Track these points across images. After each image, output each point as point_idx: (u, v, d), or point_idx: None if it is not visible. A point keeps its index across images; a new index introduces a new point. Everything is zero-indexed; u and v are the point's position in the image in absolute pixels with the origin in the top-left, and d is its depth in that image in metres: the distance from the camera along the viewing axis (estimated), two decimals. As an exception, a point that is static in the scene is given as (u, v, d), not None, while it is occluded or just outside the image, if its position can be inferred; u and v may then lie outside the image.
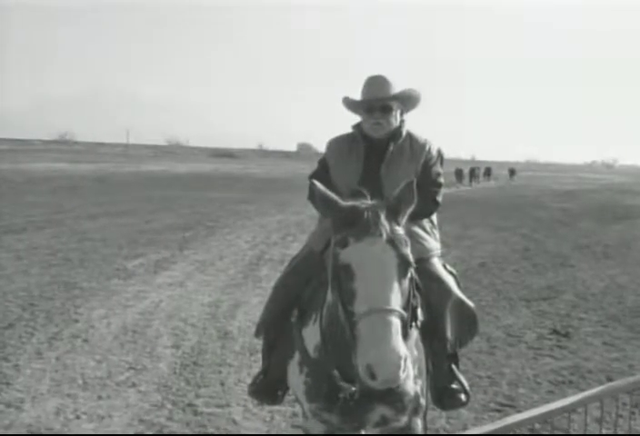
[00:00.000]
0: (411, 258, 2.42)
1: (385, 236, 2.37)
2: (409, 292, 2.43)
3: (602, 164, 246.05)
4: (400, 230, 2.45)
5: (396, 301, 2.30)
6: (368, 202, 2.53)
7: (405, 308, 2.37)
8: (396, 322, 2.24)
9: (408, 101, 3.38)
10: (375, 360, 2.18)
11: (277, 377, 3.28)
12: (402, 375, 2.19)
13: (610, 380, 5.32)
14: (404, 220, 2.51)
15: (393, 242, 2.38)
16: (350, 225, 2.42)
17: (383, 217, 2.41)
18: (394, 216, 2.46)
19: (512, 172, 60.07)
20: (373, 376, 2.18)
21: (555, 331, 7.07)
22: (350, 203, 2.52)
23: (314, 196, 2.62)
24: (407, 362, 2.22)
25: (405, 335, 2.33)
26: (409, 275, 2.42)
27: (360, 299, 2.31)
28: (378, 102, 3.27)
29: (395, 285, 2.33)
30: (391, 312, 2.26)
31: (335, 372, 2.71)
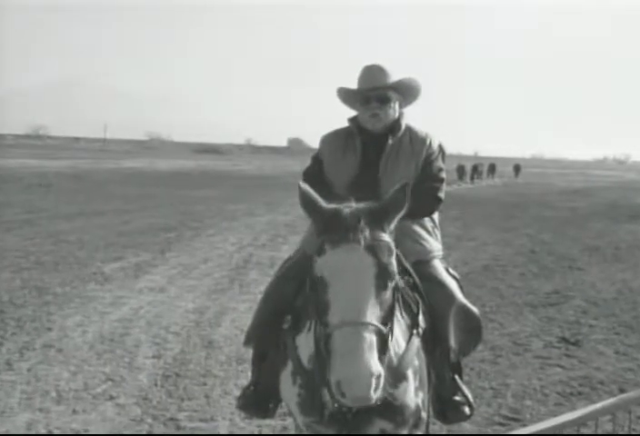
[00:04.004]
0: (393, 267, 2.40)
1: (362, 243, 2.35)
2: (391, 304, 2.41)
3: (613, 160, 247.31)
4: (385, 236, 2.42)
5: (372, 313, 2.28)
6: (352, 205, 2.51)
7: (385, 321, 2.34)
8: (370, 337, 2.22)
9: (407, 92, 3.38)
10: (344, 376, 2.17)
11: (268, 389, 3.26)
12: (374, 394, 2.18)
13: (622, 391, 5.32)
14: (391, 225, 2.49)
15: (372, 249, 2.35)
16: (329, 231, 2.42)
17: (363, 222, 2.39)
18: (378, 221, 2.43)
19: (517, 168, 60.23)
20: (342, 394, 2.18)
21: (563, 339, 7.08)
22: (332, 206, 2.50)
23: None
24: (382, 380, 2.20)
25: (385, 350, 2.31)
26: (391, 285, 2.40)
27: (333, 310, 2.31)
28: (375, 91, 3.27)
29: (372, 297, 2.31)
30: (364, 325, 2.24)
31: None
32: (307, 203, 2.52)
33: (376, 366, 2.18)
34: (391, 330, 2.42)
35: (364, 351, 2.19)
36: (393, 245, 2.44)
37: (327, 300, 2.34)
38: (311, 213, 2.52)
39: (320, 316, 2.37)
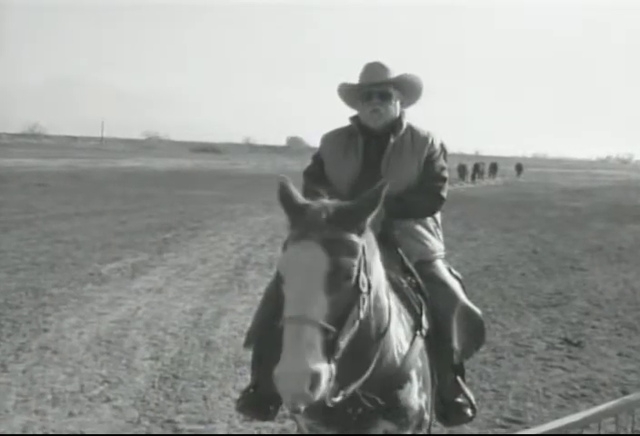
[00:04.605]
0: (351, 267, 2.33)
1: (319, 240, 2.32)
2: (349, 306, 2.33)
3: (616, 160, 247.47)
4: (349, 236, 2.37)
5: (319, 311, 2.24)
6: (324, 201, 2.49)
7: (337, 321, 2.28)
8: (310, 334, 2.19)
9: (409, 88, 3.39)
10: (279, 371, 2.18)
11: (269, 390, 3.24)
12: (310, 392, 2.14)
13: (625, 393, 5.32)
14: (361, 224, 2.43)
15: (329, 247, 2.31)
16: (294, 226, 2.43)
17: (326, 219, 2.36)
18: (346, 219, 2.39)
19: (519, 168, 60.29)
20: (280, 389, 2.18)
21: (565, 341, 7.08)
22: (304, 201, 2.49)
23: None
24: (322, 379, 2.16)
25: (333, 350, 2.24)
26: (347, 286, 2.33)
27: (286, 306, 2.32)
28: (376, 87, 3.28)
29: (321, 295, 2.27)
30: (306, 322, 2.21)
31: None
32: (283, 198, 2.51)
33: (314, 364, 2.15)
34: (341, 330, 2.31)
35: (301, 347, 2.17)
36: (359, 245, 2.38)
37: (283, 295, 2.36)
38: (286, 209, 2.51)
39: (280, 309, 2.38)
